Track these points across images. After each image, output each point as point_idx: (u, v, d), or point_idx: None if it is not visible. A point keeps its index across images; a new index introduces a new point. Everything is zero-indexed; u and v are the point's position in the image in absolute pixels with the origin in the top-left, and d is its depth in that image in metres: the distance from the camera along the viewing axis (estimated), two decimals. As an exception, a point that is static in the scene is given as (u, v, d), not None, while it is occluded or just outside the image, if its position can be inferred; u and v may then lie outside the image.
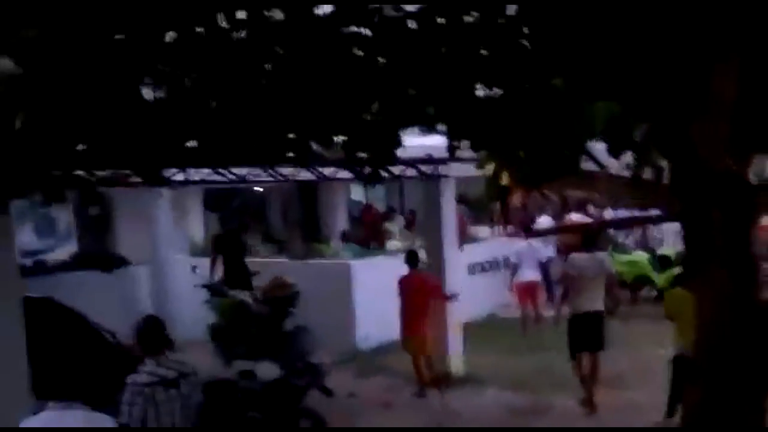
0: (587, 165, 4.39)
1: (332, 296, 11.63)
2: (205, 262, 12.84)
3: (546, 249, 14.43)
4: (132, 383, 4.96)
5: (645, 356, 10.75)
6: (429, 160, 9.93)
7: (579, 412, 9.00)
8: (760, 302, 4.32)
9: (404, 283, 9.96)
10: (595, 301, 9.13)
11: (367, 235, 15.81)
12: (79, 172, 6.18)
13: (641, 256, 14.73)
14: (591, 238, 9.62)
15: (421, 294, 9.84)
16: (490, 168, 5.25)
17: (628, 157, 4.50)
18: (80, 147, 4.89)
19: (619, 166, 4.66)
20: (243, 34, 4.07)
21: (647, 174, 4.62)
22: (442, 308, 10.20)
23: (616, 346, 11.33)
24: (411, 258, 10.10)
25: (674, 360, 7.97)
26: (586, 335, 9.08)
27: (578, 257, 9.31)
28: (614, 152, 4.11)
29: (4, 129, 3.93)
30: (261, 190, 18.33)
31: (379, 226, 16.17)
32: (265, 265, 12.21)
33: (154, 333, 5.15)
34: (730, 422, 4.27)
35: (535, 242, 13.29)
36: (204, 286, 12.33)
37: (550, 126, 3.84)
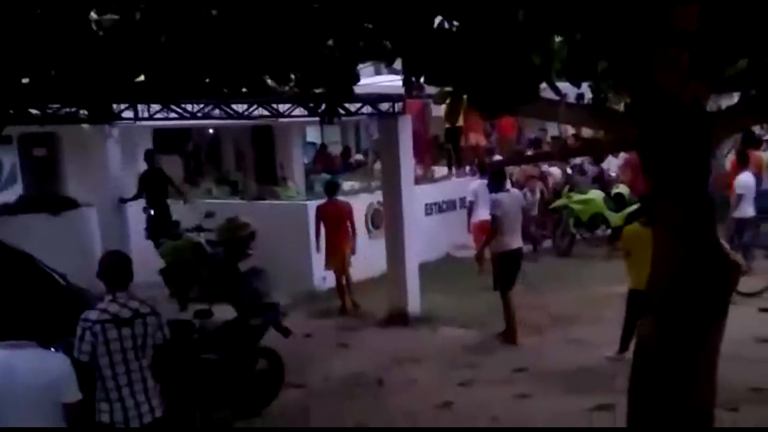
0: (547, 93, 4.35)
1: (289, 237, 11.57)
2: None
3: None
4: (83, 319, 4.88)
5: (599, 293, 10.96)
6: (386, 97, 9.83)
7: (530, 347, 9.14)
8: (714, 236, 4.37)
9: (322, 210, 10.99)
10: (519, 238, 9.63)
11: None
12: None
13: (596, 194, 14.86)
14: (499, 176, 9.96)
15: (338, 218, 10.93)
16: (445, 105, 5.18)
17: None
18: (25, 81, 4.71)
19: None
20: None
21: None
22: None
23: (570, 283, 11.57)
24: (329, 187, 11.27)
25: (629, 295, 8.11)
26: (516, 271, 9.54)
27: (502, 197, 9.55)
28: (575, 81, 4.06)
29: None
30: (211, 131, 18.10)
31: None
32: (220, 206, 12.08)
33: (116, 268, 5.05)
34: (680, 355, 4.34)
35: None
36: (151, 227, 12.21)
37: (511, 58, 3.78)
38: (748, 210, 11.37)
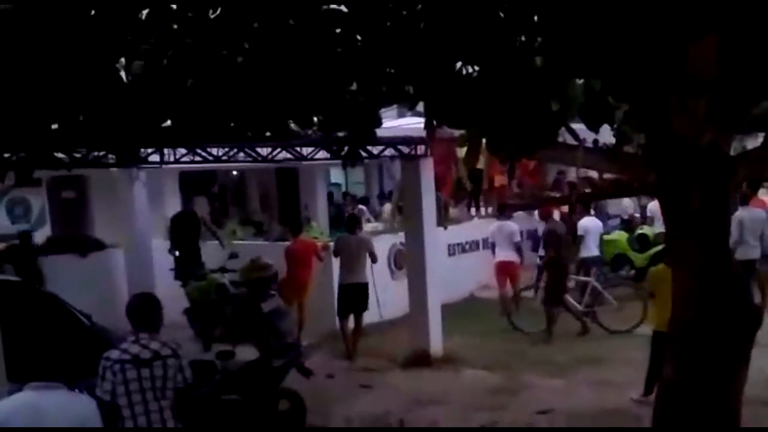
0: (565, 138, 4.39)
1: (311, 277, 11.60)
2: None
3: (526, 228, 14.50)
4: (104, 358, 4.95)
5: (624, 335, 10.88)
6: (408, 139, 9.91)
7: (554, 388, 9.06)
8: (736, 277, 4.34)
9: (291, 248, 11.61)
10: (360, 274, 11.02)
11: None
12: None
13: (620, 235, 14.82)
14: (352, 221, 11.61)
15: (305, 254, 11.66)
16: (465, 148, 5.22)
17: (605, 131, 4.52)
18: (54, 126, 4.81)
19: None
20: (219, 10, 4.01)
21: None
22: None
23: (595, 324, 11.50)
24: (294, 227, 12.14)
25: (653, 336, 8.04)
26: (354, 301, 10.97)
27: (348, 237, 11.25)
28: (592, 126, 4.10)
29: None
30: (236, 173, 18.28)
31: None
32: (244, 247, 12.16)
33: (141, 310, 5.12)
34: (701, 398, 4.30)
35: (510, 222, 13.25)
36: (179, 268, 12.30)
37: (529, 103, 3.83)
38: (592, 249, 13.00)
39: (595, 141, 4.77)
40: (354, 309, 11.06)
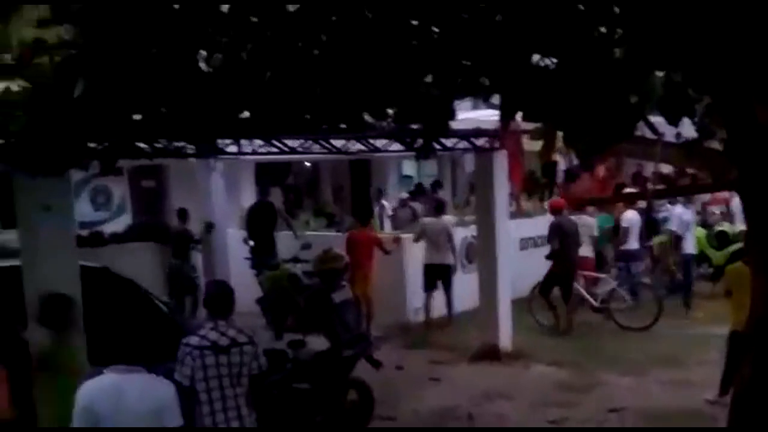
0: (643, 132, 4.30)
1: (383, 269, 11.65)
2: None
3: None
4: (185, 344, 5.07)
5: (702, 333, 10.62)
6: (481, 132, 9.86)
7: (626, 386, 8.92)
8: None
9: (352, 237, 11.44)
10: (442, 255, 11.83)
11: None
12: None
13: (698, 231, 14.45)
14: (440, 207, 12.61)
15: (365, 244, 11.41)
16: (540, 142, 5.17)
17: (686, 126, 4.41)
18: (137, 117, 4.96)
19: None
20: (298, 4, 4.06)
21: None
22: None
23: (672, 322, 11.26)
24: (363, 217, 12.16)
25: (730, 336, 7.83)
26: (437, 280, 11.88)
27: (428, 221, 12.14)
28: (672, 120, 4.01)
29: (63, 96, 3.99)
30: (310, 164, 18.45)
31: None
32: (316, 237, 12.29)
33: (220, 298, 5.24)
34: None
35: (586, 216, 13.04)
36: (255, 258, 12.50)
37: (607, 95, 3.77)
38: (633, 243, 12.67)
39: (678, 135, 4.66)
40: (438, 287, 11.84)
